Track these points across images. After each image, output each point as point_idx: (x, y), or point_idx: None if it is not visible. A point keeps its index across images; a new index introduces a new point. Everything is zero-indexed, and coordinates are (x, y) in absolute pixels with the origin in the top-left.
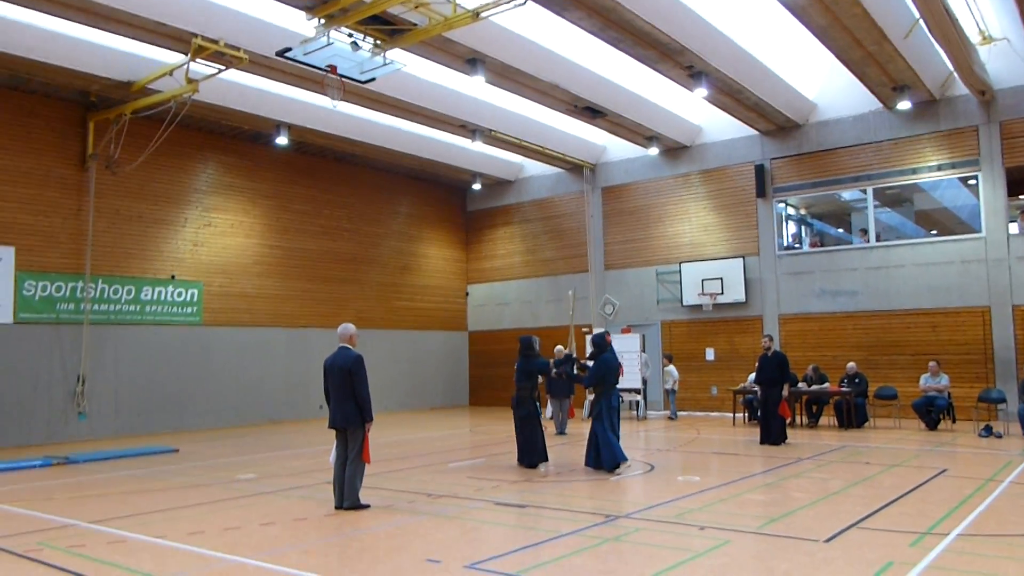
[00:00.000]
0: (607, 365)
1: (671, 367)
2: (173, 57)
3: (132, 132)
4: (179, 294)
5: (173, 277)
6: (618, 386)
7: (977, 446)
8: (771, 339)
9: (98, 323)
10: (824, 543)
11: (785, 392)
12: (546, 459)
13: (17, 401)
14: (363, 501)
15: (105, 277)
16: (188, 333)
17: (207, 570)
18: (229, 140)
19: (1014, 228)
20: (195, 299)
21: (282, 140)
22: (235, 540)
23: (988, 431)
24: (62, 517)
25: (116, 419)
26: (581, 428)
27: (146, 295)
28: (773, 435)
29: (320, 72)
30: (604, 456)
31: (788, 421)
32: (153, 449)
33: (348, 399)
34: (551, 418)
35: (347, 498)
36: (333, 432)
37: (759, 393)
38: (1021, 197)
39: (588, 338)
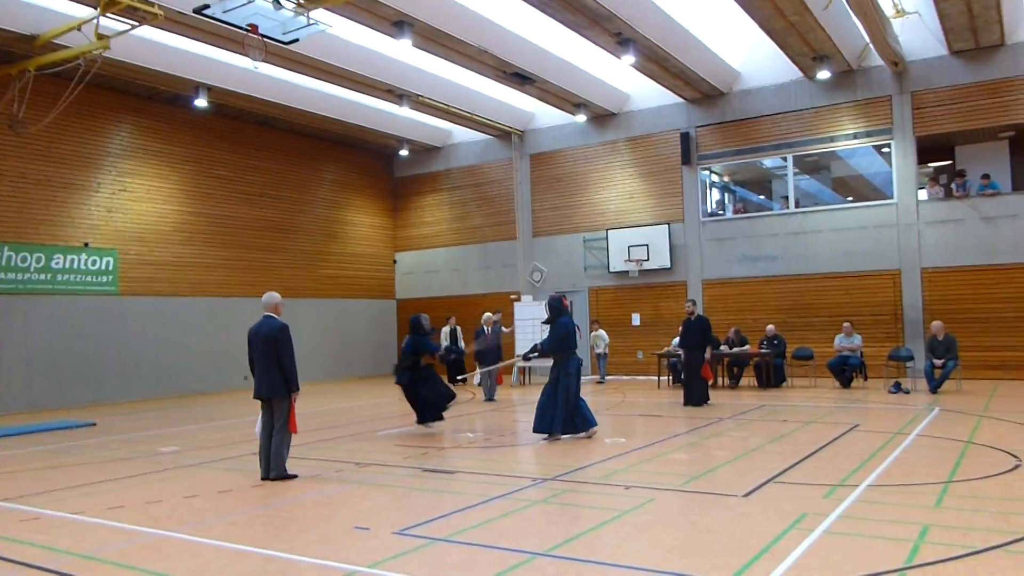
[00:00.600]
0: (566, 328)
1: (601, 331)
2: (82, 11)
3: (38, 90)
4: (93, 262)
5: (87, 245)
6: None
7: (887, 402)
8: (694, 304)
9: (5, 292)
10: (743, 497)
11: (708, 355)
12: (442, 417)
13: None
14: (290, 471)
15: (12, 244)
16: (104, 303)
17: (128, 545)
18: (145, 101)
19: (923, 195)
20: (110, 268)
21: (201, 102)
22: (157, 514)
23: (897, 387)
24: None
25: (28, 392)
26: (510, 394)
27: (57, 263)
28: (696, 397)
29: (240, 31)
30: (536, 422)
31: (710, 383)
32: (69, 423)
33: (273, 369)
34: (479, 384)
35: (273, 468)
36: (258, 403)
37: (683, 356)
38: (930, 165)
39: (545, 302)
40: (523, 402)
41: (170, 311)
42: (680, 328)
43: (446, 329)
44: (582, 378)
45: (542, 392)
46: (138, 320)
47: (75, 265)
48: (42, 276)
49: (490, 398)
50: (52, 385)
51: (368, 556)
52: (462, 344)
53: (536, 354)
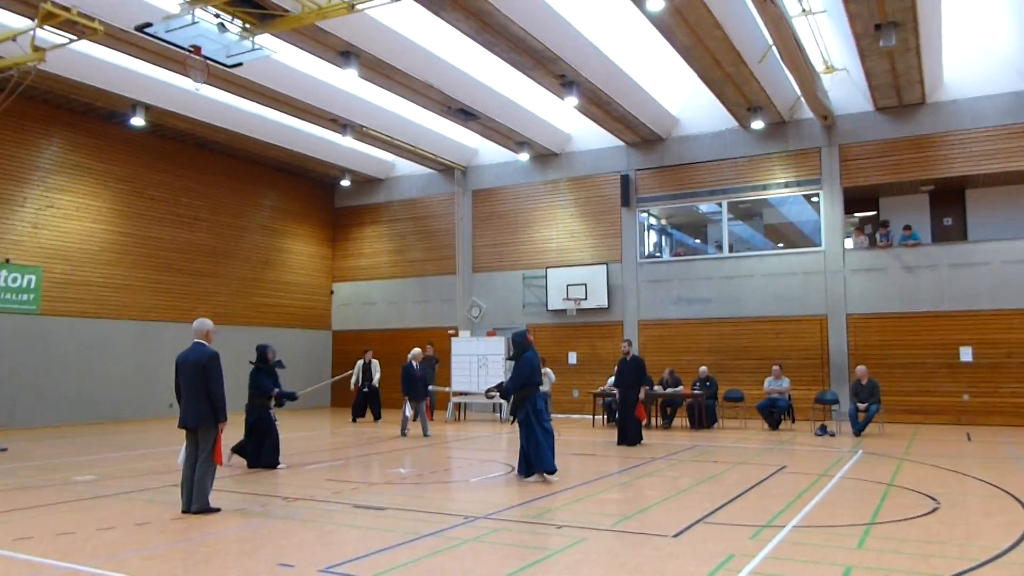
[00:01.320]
0: (531, 365)
1: (548, 369)
2: (19, 21)
3: None
4: (14, 279)
5: (8, 261)
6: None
7: (813, 444)
8: (630, 343)
9: None
10: (672, 538)
11: (642, 395)
12: (279, 463)
13: None
14: (213, 504)
15: None
16: (23, 322)
17: None
18: (79, 116)
19: (849, 243)
20: (32, 286)
21: (138, 121)
22: (69, 546)
23: (823, 430)
24: None
25: None
26: (444, 430)
27: None
28: (629, 436)
29: (183, 52)
30: (540, 461)
31: (644, 423)
32: None
33: (201, 398)
34: (414, 419)
35: (196, 501)
36: (183, 432)
37: (618, 395)
38: (856, 215)
39: (507, 337)
40: (457, 438)
41: (94, 333)
42: (616, 367)
43: (360, 363)
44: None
45: (522, 435)
46: (59, 341)
47: None
48: None
49: (425, 434)
50: None
51: None
52: (375, 381)
53: (497, 393)
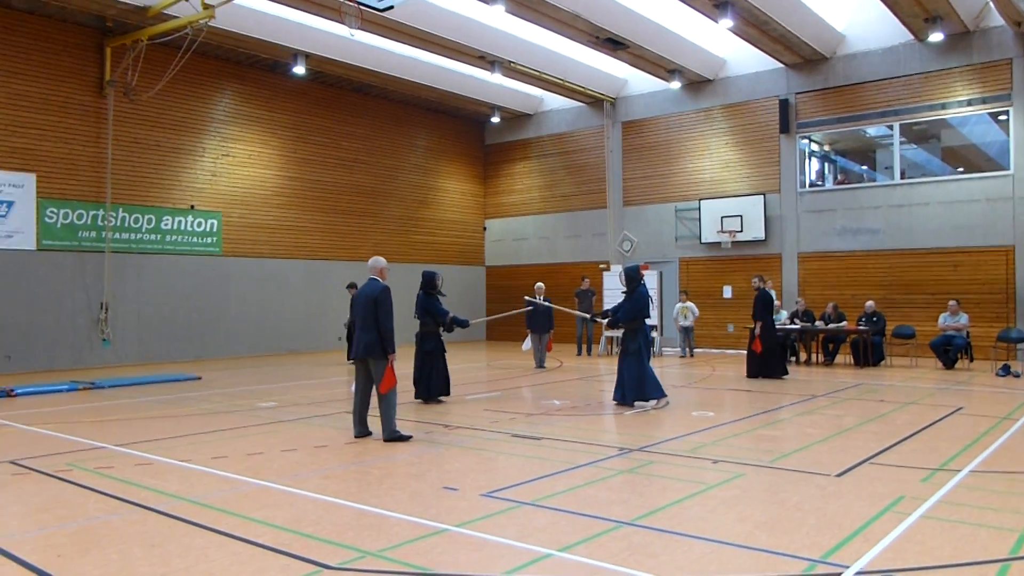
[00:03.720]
0: (644, 299)
1: (690, 303)
2: None
3: (149, 59)
4: (199, 224)
5: (192, 207)
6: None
7: (994, 385)
8: (760, 279)
9: (119, 251)
10: (835, 477)
11: (757, 330)
12: (448, 392)
13: (43, 327)
14: (404, 432)
15: (126, 206)
16: (208, 263)
17: (233, 492)
18: (246, 69)
19: None
20: (215, 229)
21: (299, 70)
22: (258, 465)
23: (1006, 370)
24: (90, 440)
25: (139, 346)
26: (597, 363)
27: (166, 224)
28: (751, 367)
29: None
30: (628, 393)
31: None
32: (176, 376)
33: (371, 329)
34: (528, 350)
35: (384, 430)
36: (346, 364)
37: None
38: None
39: (621, 271)
40: (610, 372)
41: (269, 272)
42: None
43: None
44: (664, 350)
45: (626, 364)
46: (239, 280)
47: (182, 227)
48: (153, 237)
49: (540, 365)
50: (161, 340)
51: (456, 516)
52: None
53: (607, 320)
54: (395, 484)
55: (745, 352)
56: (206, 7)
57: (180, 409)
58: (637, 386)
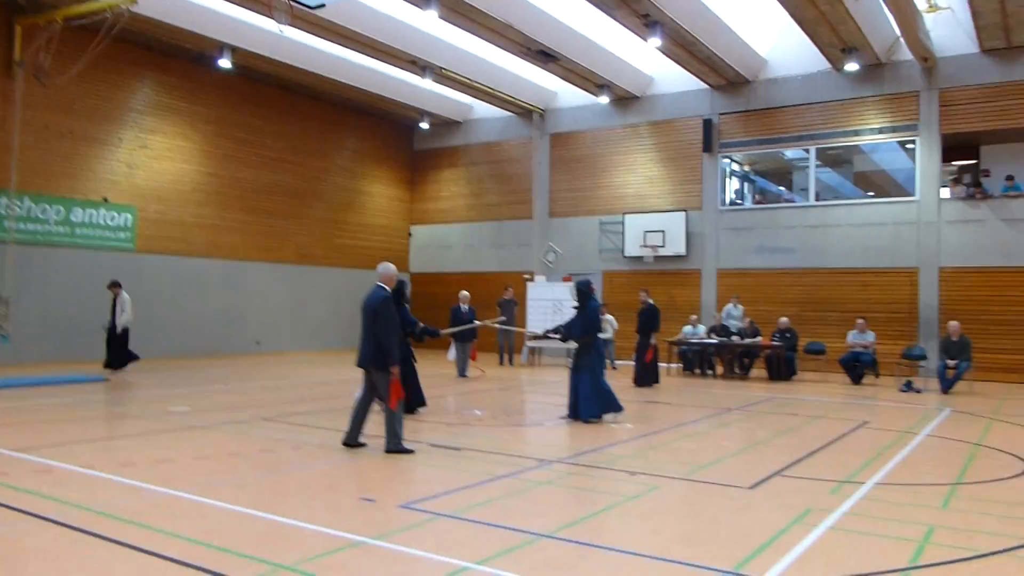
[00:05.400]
0: (596, 313)
1: (609, 316)
2: None
3: (64, 41)
4: (112, 218)
5: (105, 200)
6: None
7: (898, 400)
8: (647, 293)
9: (24, 243)
10: (748, 489)
11: (652, 340)
12: (424, 403)
13: None
14: (407, 446)
15: (32, 195)
16: (121, 259)
17: (140, 502)
18: (170, 59)
19: (945, 193)
20: (129, 224)
21: (225, 63)
22: (168, 473)
23: (908, 386)
24: None
25: (43, 344)
26: (518, 373)
27: (77, 217)
28: (639, 378)
29: None
30: (582, 408)
31: (652, 365)
32: (80, 377)
33: (372, 340)
34: (453, 360)
35: (388, 443)
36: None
37: (636, 341)
38: (954, 163)
39: (570, 286)
40: (532, 382)
41: (185, 271)
42: (637, 316)
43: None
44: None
45: (579, 380)
46: (154, 278)
47: (94, 220)
48: (61, 229)
49: (462, 374)
50: (66, 338)
51: (374, 528)
52: (123, 320)
53: (558, 336)
54: (311, 494)
55: (672, 366)
56: None
57: (84, 412)
58: (592, 402)
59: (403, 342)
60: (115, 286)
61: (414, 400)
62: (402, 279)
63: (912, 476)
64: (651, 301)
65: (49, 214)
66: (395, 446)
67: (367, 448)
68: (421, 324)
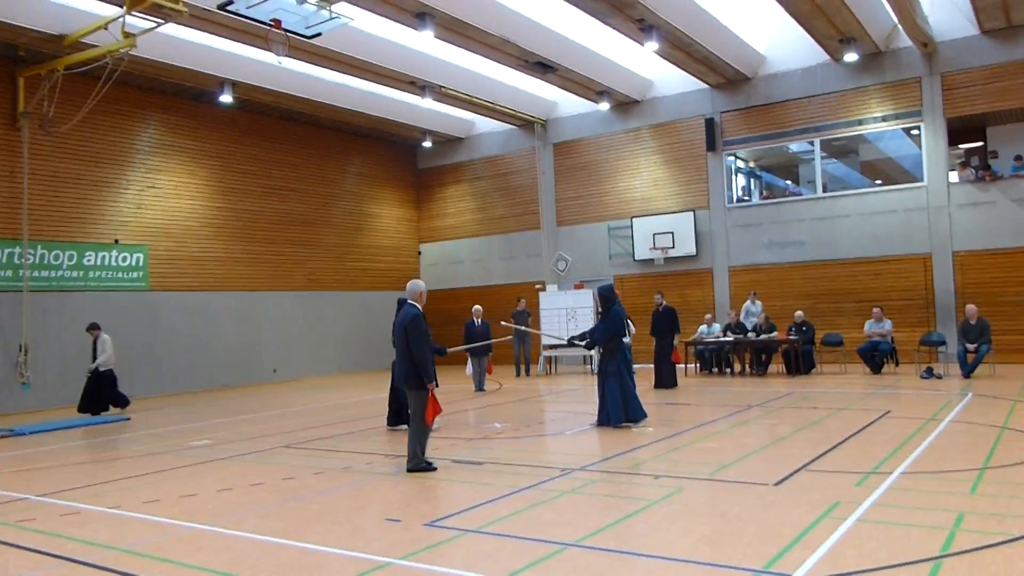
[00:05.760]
0: (619, 318)
1: (628, 321)
2: (108, 9)
3: (66, 89)
4: (123, 259)
5: (116, 241)
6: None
7: (919, 387)
8: (662, 295)
9: (39, 290)
10: (774, 486)
11: (676, 342)
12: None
13: None
14: (430, 462)
15: (44, 242)
16: (134, 298)
17: (165, 538)
18: (171, 98)
19: (954, 177)
20: (140, 263)
21: (226, 98)
22: (192, 507)
23: (929, 373)
24: (9, 491)
25: (63, 389)
26: (536, 384)
27: (89, 260)
28: (665, 380)
29: (264, 27)
30: (612, 414)
31: (681, 366)
32: (103, 419)
33: (405, 358)
34: (470, 375)
35: (409, 463)
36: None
37: (655, 344)
38: (961, 147)
39: (595, 291)
40: (550, 392)
41: (199, 305)
42: (651, 318)
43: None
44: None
45: (608, 386)
46: (168, 315)
47: (106, 262)
48: (74, 273)
49: (480, 388)
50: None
51: (400, 548)
52: (102, 360)
53: (584, 342)
54: (336, 519)
55: (689, 366)
56: (126, 36)
57: (108, 453)
58: (621, 407)
59: None
60: (94, 328)
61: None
62: (402, 299)
63: (938, 463)
64: (666, 303)
65: (62, 260)
66: (417, 464)
67: (391, 467)
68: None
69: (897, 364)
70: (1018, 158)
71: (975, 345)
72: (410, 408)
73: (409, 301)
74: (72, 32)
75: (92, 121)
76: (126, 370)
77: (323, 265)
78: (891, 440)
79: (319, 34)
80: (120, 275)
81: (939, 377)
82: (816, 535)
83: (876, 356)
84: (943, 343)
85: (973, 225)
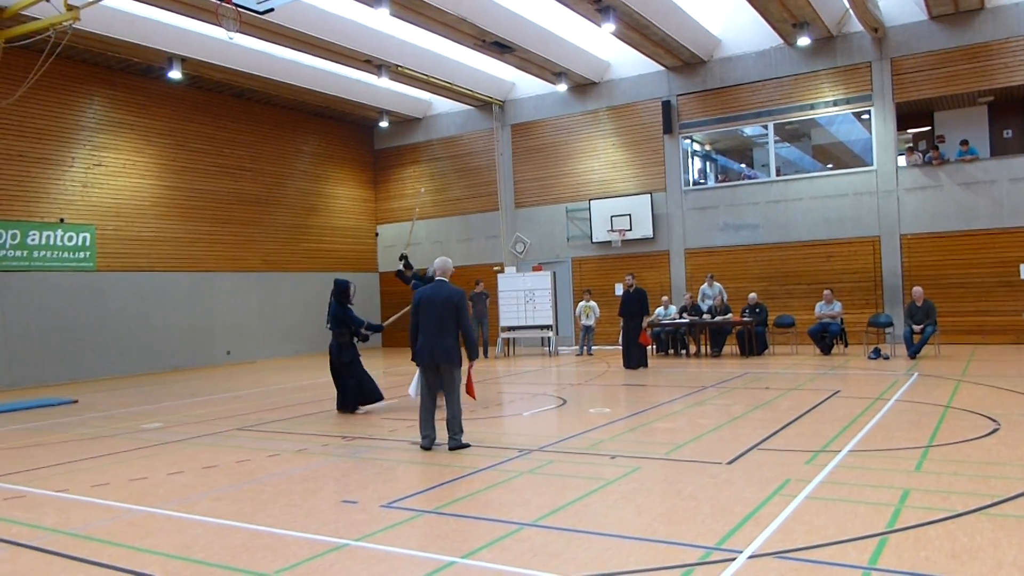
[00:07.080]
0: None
1: (593, 303)
2: None
3: (8, 64)
4: (70, 238)
5: (62, 220)
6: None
7: (867, 368)
8: (633, 277)
9: None
10: (727, 465)
11: (644, 323)
12: (381, 398)
13: None
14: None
15: None
16: (81, 279)
17: (114, 521)
18: (117, 73)
19: (902, 161)
20: (87, 243)
21: (175, 74)
22: (142, 490)
23: (877, 353)
24: None
25: (8, 371)
26: (494, 365)
27: (33, 240)
28: (634, 361)
29: (214, 1)
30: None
31: (651, 348)
32: (49, 401)
33: (447, 334)
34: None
35: (452, 441)
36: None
37: (622, 324)
38: (909, 131)
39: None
40: (508, 373)
41: (149, 286)
42: (620, 299)
43: None
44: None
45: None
46: (117, 296)
47: (51, 241)
48: (18, 253)
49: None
50: (31, 363)
51: (356, 529)
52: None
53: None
54: (291, 501)
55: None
56: (70, 8)
57: (54, 436)
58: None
59: (350, 343)
60: None
61: (375, 397)
62: (347, 280)
63: (885, 441)
64: (637, 285)
65: (5, 239)
66: (460, 442)
67: (348, 449)
68: (367, 322)
69: (846, 345)
70: (964, 143)
71: (921, 326)
72: (444, 385)
73: (439, 278)
74: (12, 4)
75: (35, 97)
76: (72, 353)
77: (278, 246)
78: (840, 419)
79: (271, 9)
80: (66, 255)
81: (886, 358)
82: (767, 512)
83: (826, 337)
84: (890, 324)
85: (920, 209)
